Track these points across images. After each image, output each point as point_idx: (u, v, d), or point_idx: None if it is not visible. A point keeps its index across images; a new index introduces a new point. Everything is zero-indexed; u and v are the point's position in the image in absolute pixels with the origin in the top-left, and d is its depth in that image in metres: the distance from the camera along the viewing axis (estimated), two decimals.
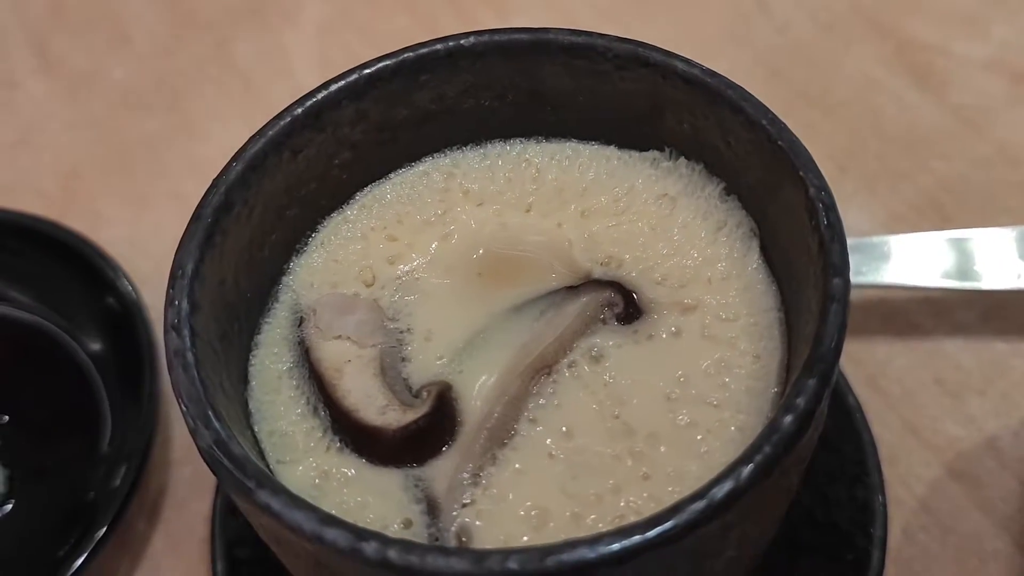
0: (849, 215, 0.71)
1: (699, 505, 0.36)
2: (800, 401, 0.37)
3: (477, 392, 0.45)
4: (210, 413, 0.40)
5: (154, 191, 0.81)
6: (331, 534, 0.36)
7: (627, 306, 0.47)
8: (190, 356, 0.41)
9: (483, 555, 0.35)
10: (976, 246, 0.64)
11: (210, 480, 0.64)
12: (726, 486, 0.36)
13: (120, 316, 0.67)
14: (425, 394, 0.45)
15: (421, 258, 0.50)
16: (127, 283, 0.68)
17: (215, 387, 0.42)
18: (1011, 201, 0.72)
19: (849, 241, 0.65)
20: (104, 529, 0.59)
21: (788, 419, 0.37)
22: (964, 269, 0.63)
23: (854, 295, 0.67)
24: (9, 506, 0.62)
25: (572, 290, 0.48)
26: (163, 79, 0.88)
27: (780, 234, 0.46)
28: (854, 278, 0.63)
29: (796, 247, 0.44)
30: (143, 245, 0.75)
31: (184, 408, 0.40)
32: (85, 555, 0.58)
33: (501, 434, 0.44)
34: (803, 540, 0.56)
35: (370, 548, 0.36)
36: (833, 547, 0.55)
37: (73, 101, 0.87)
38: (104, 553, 0.60)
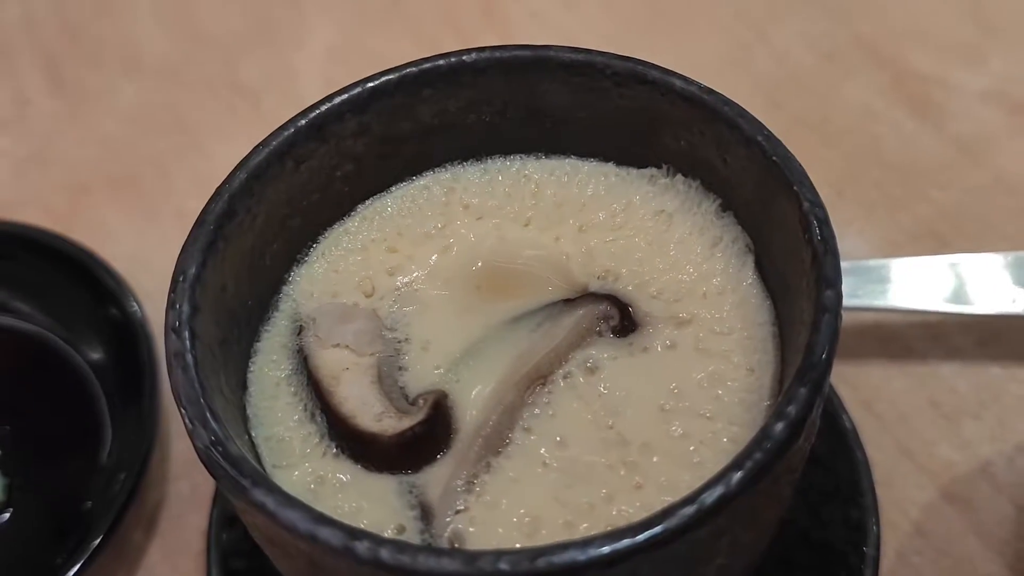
0: (846, 240, 0.72)
1: (689, 510, 0.36)
2: (791, 409, 0.38)
3: (473, 401, 0.46)
4: (208, 414, 0.40)
5: (160, 208, 0.82)
6: (324, 533, 0.36)
7: (623, 319, 0.48)
8: (189, 358, 0.42)
9: (474, 556, 0.36)
10: (972, 271, 0.64)
11: (207, 495, 0.64)
12: (717, 491, 0.36)
13: (123, 329, 0.68)
14: (421, 402, 0.46)
15: (420, 270, 0.51)
16: (131, 297, 0.69)
17: (214, 390, 0.42)
18: (1008, 228, 0.72)
19: (846, 264, 0.65)
20: (100, 539, 0.59)
21: (779, 426, 0.38)
22: (959, 293, 0.64)
23: (850, 319, 0.68)
24: (7, 514, 0.63)
25: (569, 303, 0.49)
26: (172, 99, 0.89)
27: (775, 249, 0.47)
28: (850, 300, 0.64)
29: (790, 261, 0.45)
30: (148, 261, 0.76)
31: (183, 409, 0.40)
32: (80, 564, 0.58)
33: (496, 442, 0.45)
34: (797, 559, 0.56)
35: (362, 547, 0.36)
36: (827, 566, 0.56)
37: (83, 119, 0.88)
38: (100, 563, 0.60)
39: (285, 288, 0.51)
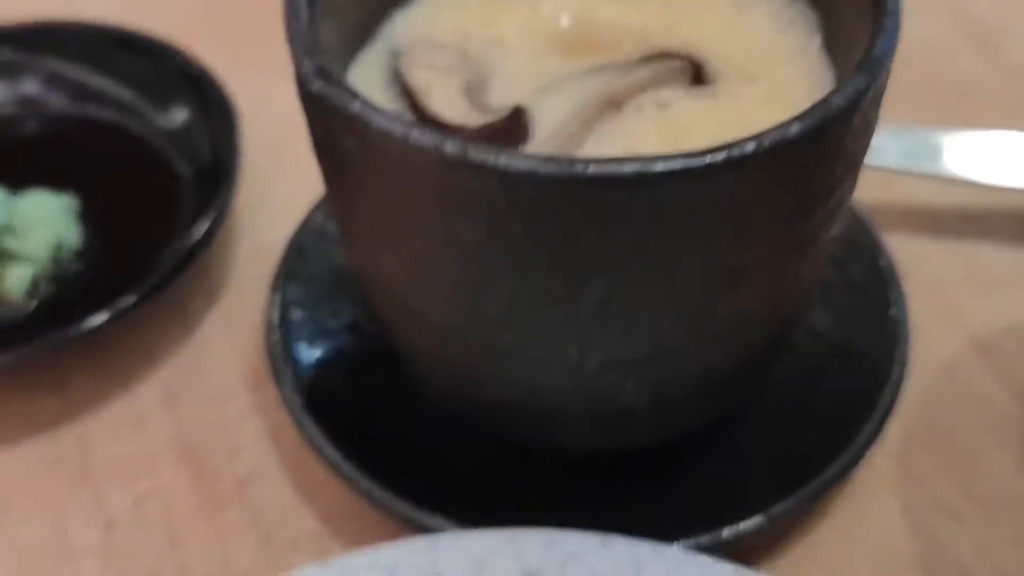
0: None
1: (749, 145, 0.40)
2: (848, 87, 0.42)
3: (550, 114, 0.49)
4: (316, 49, 0.44)
5: (258, 48, 0.86)
6: (416, 133, 0.40)
7: (695, 74, 0.52)
8: (305, 11, 0.46)
9: (560, 158, 0.39)
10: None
11: (270, 276, 0.67)
12: (775, 134, 0.40)
13: (213, 113, 0.73)
14: (502, 110, 0.50)
15: (511, 26, 0.55)
16: (222, 90, 0.74)
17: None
18: None
19: (895, 128, 0.68)
20: (142, 294, 0.62)
21: (837, 97, 0.41)
22: (1011, 168, 0.66)
23: (892, 194, 0.71)
24: (79, 265, 0.67)
25: (647, 58, 0.53)
26: None
27: (842, 23, 0.51)
28: (898, 163, 0.67)
29: (855, 24, 0.49)
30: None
31: (292, 45, 0.45)
32: (111, 314, 0.61)
33: (569, 148, 0.48)
34: (827, 368, 0.59)
35: (453, 146, 0.40)
36: (856, 368, 0.58)
37: None
38: (154, 323, 0.65)
39: (384, 27, 0.55)
